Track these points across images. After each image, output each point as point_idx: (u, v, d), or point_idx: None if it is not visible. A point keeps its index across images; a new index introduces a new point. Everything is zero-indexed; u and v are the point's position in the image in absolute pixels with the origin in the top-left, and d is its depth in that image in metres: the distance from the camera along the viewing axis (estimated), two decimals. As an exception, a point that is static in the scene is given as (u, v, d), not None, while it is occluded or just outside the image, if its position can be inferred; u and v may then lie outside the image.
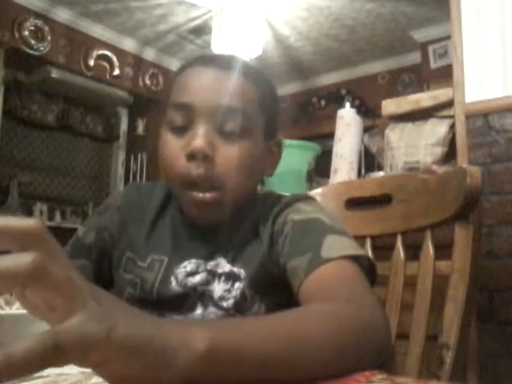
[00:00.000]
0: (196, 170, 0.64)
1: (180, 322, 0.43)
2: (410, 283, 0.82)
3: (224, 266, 0.69)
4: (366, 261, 0.62)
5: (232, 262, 0.69)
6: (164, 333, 0.32)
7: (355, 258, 0.60)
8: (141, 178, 4.26)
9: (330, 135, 2.42)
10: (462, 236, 0.79)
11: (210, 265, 0.69)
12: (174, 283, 0.69)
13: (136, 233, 0.75)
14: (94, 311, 0.29)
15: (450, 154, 1.89)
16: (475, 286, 0.79)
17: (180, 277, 0.69)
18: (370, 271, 0.62)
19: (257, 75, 0.71)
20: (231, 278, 0.68)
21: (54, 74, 3.64)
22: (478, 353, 1.55)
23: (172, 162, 0.67)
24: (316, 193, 1.02)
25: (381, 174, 2.13)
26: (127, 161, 4.41)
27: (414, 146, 1.94)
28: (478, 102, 1.72)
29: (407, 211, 0.86)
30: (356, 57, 4.33)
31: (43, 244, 0.29)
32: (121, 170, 4.41)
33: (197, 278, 0.69)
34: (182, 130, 0.66)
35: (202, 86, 0.66)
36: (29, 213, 3.70)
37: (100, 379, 0.31)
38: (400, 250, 0.86)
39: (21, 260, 0.27)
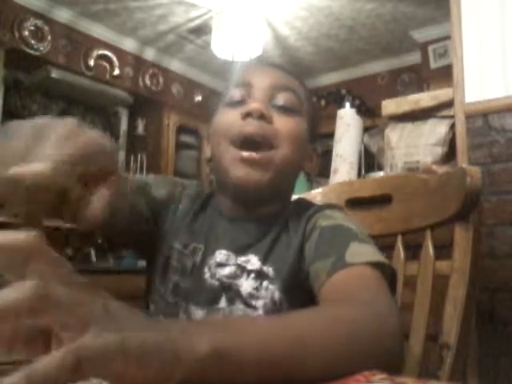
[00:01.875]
0: (251, 126, 0.67)
1: (186, 325, 0.42)
2: (410, 283, 0.82)
3: (254, 263, 0.69)
4: (388, 269, 0.62)
5: (263, 260, 0.69)
6: (171, 338, 0.32)
7: (378, 266, 0.60)
8: (141, 178, 4.26)
9: (330, 135, 2.42)
10: (461, 236, 0.79)
11: (241, 259, 0.70)
12: (207, 273, 0.70)
13: (182, 222, 0.76)
14: (105, 323, 0.29)
15: (450, 154, 1.89)
16: (475, 286, 0.79)
17: (212, 267, 0.70)
18: (391, 280, 0.62)
19: (301, 79, 0.79)
20: (260, 276, 0.69)
21: (54, 74, 3.63)
22: (478, 353, 1.55)
23: (228, 125, 0.70)
24: (316, 193, 1.02)
25: (381, 174, 2.13)
26: (127, 161, 4.40)
27: (414, 146, 1.94)
28: (478, 102, 1.72)
29: (407, 211, 0.86)
30: (356, 57, 4.33)
31: (41, 257, 0.30)
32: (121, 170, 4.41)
33: (225, 271, 0.69)
34: (237, 104, 0.71)
35: (258, 71, 0.75)
36: (29, 213, 3.70)
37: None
38: (400, 250, 0.86)
39: (21, 294, 0.27)
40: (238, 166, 0.68)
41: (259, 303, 0.67)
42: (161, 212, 0.76)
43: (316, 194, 1.01)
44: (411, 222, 0.85)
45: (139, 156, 4.29)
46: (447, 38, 2.71)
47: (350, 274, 0.59)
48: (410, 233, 0.86)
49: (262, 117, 0.67)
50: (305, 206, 0.76)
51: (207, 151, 0.78)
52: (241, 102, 0.71)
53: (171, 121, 4.31)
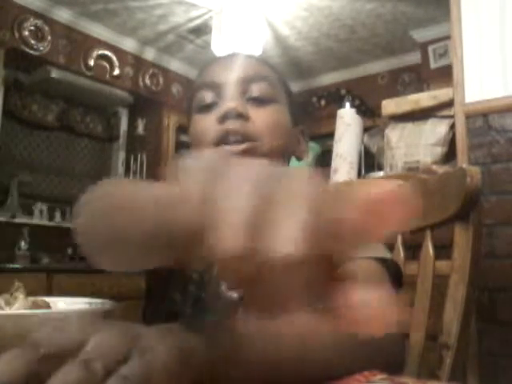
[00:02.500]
0: (231, 125, 0.63)
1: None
2: (410, 283, 0.82)
3: None
4: (393, 266, 0.61)
5: None
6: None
7: (383, 262, 0.60)
8: (141, 177, 4.26)
9: (330, 135, 2.42)
10: (461, 236, 0.79)
11: None
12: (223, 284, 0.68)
13: None
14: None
15: (449, 154, 1.89)
16: (475, 286, 0.79)
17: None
18: (396, 276, 0.62)
19: (269, 63, 0.74)
20: None
21: (54, 74, 3.63)
22: (478, 353, 1.55)
23: (205, 133, 0.66)
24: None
25: (381, 174, 2.13)
26: (127, 161, 4.40)
27: (414, 146, 1.94)
28: (478, 102, 1.72)
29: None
30: (356, 57, 4.33)
31: None
32: (121, 170, 4.41)
33: None
34: (209, 108, 0.67)
35: (225, 67, 0.69)
36: (29, 213, 3.70)
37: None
38: (400, 250, 0.86)
39: None
40: None
41: None
42: None
43: (316, 194, 1.01)
44: (411, 222, 0.85)
45: (139, 156, 4.29)
46: (447, 38, 2.71)
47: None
48: (409, 233, 0.86)
49: (239, 116, 0.64)
50: None
51: None
52: (213, 105, 0.67)
53: (171, 121, 4.31)
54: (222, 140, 0.64)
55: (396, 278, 0.61)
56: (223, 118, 0.64)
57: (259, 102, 0.67)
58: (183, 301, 0.71)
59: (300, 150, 0.75)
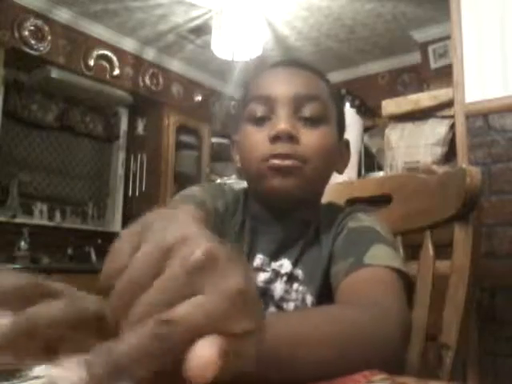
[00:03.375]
0: (282, 148, 0.66)
1: None
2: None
3: (287, 266, 0.70)
4: (406, 279, 0.62)
5: (294, 263, 0.70)
6: None
7: (395, 271, 0.60)
8: (141, 177, 4.26)
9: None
10: (461, 236, 0.79)
11: (275, 264, 0.70)
12: None
13: (229, 230, 0.74)
14: None
15: (450, 154, 1.89)
16: (475, 286, 0.79)
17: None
18: (407, 289, 0.62)
19: (322, 73, 0.76)
20: (291, 279, 0.69)
21: (54, 74, 3.63)
22: (478, 353, 1.55)
23: (257, 148, 0.68)
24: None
25: (381, 174, 2.13)
26: (127, 161, 4.40)
27: (414, 146, 1.94)
28: (478, 102, 1.72)
29: (407, 211, 0.86)
30: (356, 57, 4.33)
31: None
32: (121, 170, 4.41)
33: (261, 277, 0.69)
34: (262, 121, 0.69)
35: (279, 80, 0.71)
36: (29, 213, 3.70)
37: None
38: (400, 250, 0.86)
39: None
40: (271, 177, 0.67)
41: (290, 306, 0.67)
42: (223, 222, 0.74)
43: (316, 194, 1.01)
44: (411, 222, 0.85)
45: (139, 156, 4.29)
46: (447, 37, 2.71)
47: (365, 274, 0.59)
48: (409, 233, 0.86)
49: (290, 138, 0.66)
50: (337, 209, 0.76)
51: (235, 158, 0.77)
52: (265, 119, 0.69)
53: (171, 121, 4.31)
54: (271, 157, 0.67)
55: (407, 287, 0.61)
56: (275, 139, 0.66)
57: (310, 122, 0.69)
58: None
59: (342, 163, 0.77)
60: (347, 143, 0.78)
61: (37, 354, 0.26)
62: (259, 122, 0.69)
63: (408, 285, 0.62)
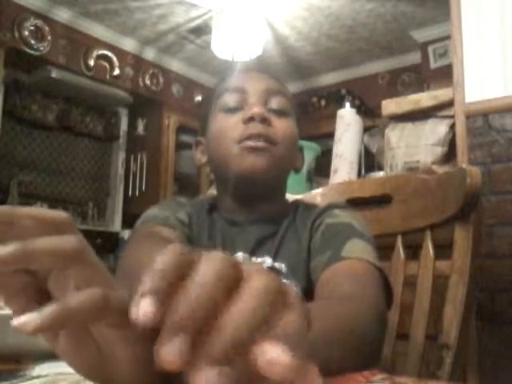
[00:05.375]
0: (255, 129, 0.71)
1: None
2: (410, 283, 0.82)
3: (268, 261, 0.71)
4: (381, 273, 0.64)
5: (274, 257, 0.72)
6: None
7: (372, 265, 0.62)
8: (141, 177, 4.26)
9: (330, 135, 2.42)
10: (461, 236, 0.79)
11: (258, 261, 0.72)
12: None
13: (198, 236, 0.77)
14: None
15: (450, 154, 1.89)
16: (475, 286, 0.79)
17: None
18: (386, 282, 0.64)
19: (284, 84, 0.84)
20: (274, 272, 0.69)
21: (54, 74, 3.63)
22: (478, 353, 1.55)
23: (230, 131, 0.73)
24: (316, 193, 1.02)
25: (381, 174, 2.13)
26: (127, 161, 4.40)
27: (414, 146, 1.94)
28: (478, 102, 1.72)
29: (407, 211, 0.86)
30: (356, 57, 4.33)
31: (76, 232, 0.29)
32: (121, 170, 4.41)
33: None
34: (235, 110, 0.74)
35: (251, 77, 0.79)
36: (29, 213, 3.70)
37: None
38: (400, 250, 0.86)
39: (67, 240, 0.26)
40: (244, 156, 0.71)
41: None
42: (191, 229, 0.77)
43: (316, 194, 1.01)
44: (411, 222, 0.85)
45: (139, 156, 4.29)
46: (447, 37, 2.71)
47: (342, 267, 0.62)
48: (409, 233, 0.86)
49: (263, 120, 0.71)
50: (310, 205, 0.79)
51: (198, 157, 0.81)
52: (238, 108, 0.74)
53: (171, 121, 4.31)
54: (244, 138, 0.71)
55: (383, 280, 0.63)
56: (249, 120, 0.71)
57: (278, 112, 0.75)
58: None
59: (298, 163, 0.82)
60: (301, 148, 0.83)
61: (30, 295, 0.27)
62: (232, 110, 0.74)
63: (384, 279, 0.64)
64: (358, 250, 0.64)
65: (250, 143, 0.71)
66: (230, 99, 0.75)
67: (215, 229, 0.77)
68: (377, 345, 0.53)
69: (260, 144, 0.71)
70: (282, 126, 0.74)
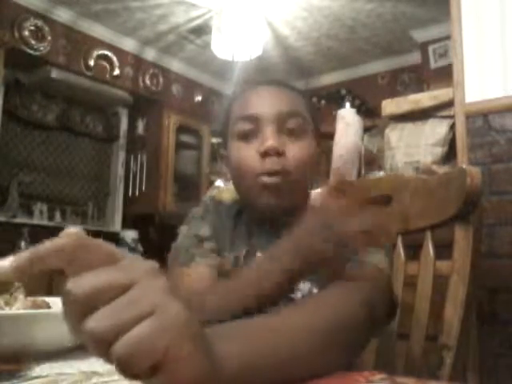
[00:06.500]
0: (270, 164, 0.74)
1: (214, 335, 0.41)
2: (410, 283, 0.82)
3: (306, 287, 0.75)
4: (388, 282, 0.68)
5: None
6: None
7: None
8: (141, 177, 4.26)
9: (330, 135, 2.42)
10: (462, 236, 0.79)
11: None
12: None
13: (223, 237, 0.83)
14: None
15: (450, 154, 1.89)
16: (475, 286, 0.78)
17: None
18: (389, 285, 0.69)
19: (300, 90, 0.86)
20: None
21: (54, 74, 3.63)
22: (478, 353, 1.55)
23: (247, 163, 0.77)
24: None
25: (381, 174, 2.13)
26: (127, 161, 4.40)
27: (414, 146, 1.94)
28: (478, 102, 1.72)
29: (407, 211, 0.86)
30: (356, 57, 4.32)
31: (86, 248, 0.35)
32: (121, 170, 4.41)
33: None
34: (249, 137, 0.78)
35: (262, 100, 0.80)
36: (29, 213, 3.70)
37: (100, 379, 0.31)
38: (400, 250, 0.86)
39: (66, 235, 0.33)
40: (261, 192, 0.75)
41: (297, 295, 0.74)
42: (218, 238, 0.82)
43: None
44: (411, 223, 0.85)
45: (139, 156, 4.29)
46: (447, 37, 2.71)
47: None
48: (409, 233, 0.86)
49: (277, 153, 0.74)
50: None
51: (227, 172, 0.85)
52: (252, 135, 0.77)
53: (171, 121, 4.31)
54: (261, 173, 0.75)
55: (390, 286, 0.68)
56: (264, 155, 0.74)
57: (294, 134, 0.77)
58: None
59: (317, 173, 0.86)
60: (321, 152, 0.86)
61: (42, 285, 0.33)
62: (247, 138, 0.78)
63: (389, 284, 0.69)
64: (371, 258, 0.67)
65: (266, 180, 0.74)
66: (243, 127, 0.78)
67: (240, 230, 0.82)
68: (360, 333, 0.56)
69: (275, 180, 0.74)
70: (298, 153, 0.77)
